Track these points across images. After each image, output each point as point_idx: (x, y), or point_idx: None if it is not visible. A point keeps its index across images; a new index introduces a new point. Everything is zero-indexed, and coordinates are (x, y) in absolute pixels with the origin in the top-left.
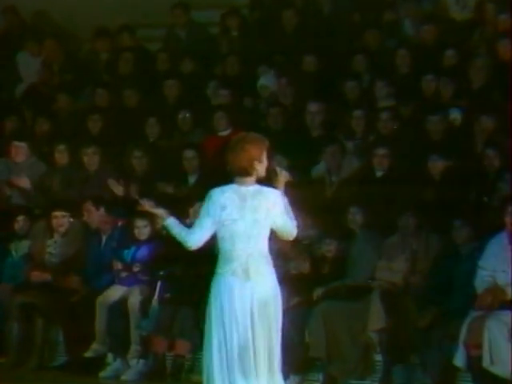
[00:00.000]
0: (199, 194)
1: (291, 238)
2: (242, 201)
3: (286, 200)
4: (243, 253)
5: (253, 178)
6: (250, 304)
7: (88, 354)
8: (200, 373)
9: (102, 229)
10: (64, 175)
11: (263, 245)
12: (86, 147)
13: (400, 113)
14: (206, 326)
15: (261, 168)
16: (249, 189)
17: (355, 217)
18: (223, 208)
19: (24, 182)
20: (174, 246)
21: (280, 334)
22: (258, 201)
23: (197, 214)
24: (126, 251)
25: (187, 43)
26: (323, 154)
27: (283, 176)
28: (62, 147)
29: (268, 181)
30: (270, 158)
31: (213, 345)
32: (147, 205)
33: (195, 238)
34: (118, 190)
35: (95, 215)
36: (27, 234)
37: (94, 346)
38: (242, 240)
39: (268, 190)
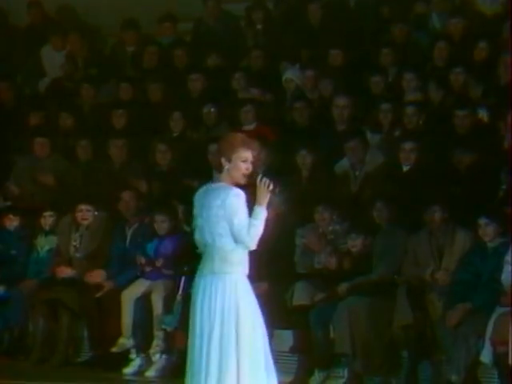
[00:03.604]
0: None
1: (244, 247)
2: (203, 197)
3: (238, 203)
4: (207, 249)
5: (223, 176)
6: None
7: (115, 349)
8: None
9: (129, 221)
10: (87, 170)
11: (222, 242)
12: (115, 139)
13: (427, 107)
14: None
15: (231, 167)
16: (213, 185)
17: (381, 212)
18: (194, 203)
19: (49, 179)
20: None
21: None
22: (211, 198)
23: None
24: (148, 245)
25: (216, 34)
26: (346, 149)
27: (263, 186)
28: (84, 142)
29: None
30: (256, 164)
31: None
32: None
33: (196, 244)
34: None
35: (133, 205)
36: (53, 229)
37: (121, 340)
38: (203, 237)
39: (222, 188)
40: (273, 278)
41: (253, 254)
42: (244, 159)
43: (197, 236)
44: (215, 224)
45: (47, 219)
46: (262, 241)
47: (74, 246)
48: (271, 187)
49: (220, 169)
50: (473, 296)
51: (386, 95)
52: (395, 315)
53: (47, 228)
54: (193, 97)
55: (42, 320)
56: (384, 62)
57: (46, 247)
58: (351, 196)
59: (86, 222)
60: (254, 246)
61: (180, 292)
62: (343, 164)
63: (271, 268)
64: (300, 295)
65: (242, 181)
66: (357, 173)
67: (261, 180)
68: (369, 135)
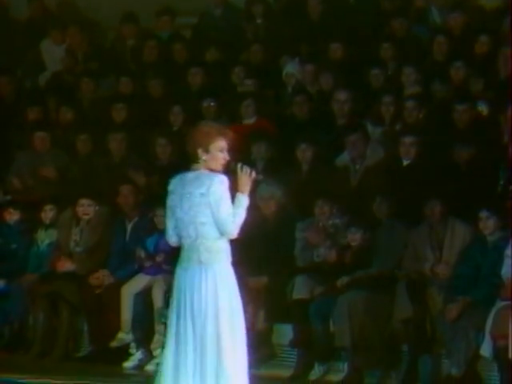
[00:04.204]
0: None
1: (225, 235)
2: (182, 187)
3: (226, 192)
4: (189, 240)
5: (200, 167)
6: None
7: (114, 344)
8: None
9: (129, 216)
10: (87, 164)
11: (205, 232)
12: (114, 133)
13: (427, 101)
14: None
15: (208, 158)
16: (191, 174)
17: (381, 206)
18: (170, 194)
19: (50, 172)
20: None
21: None
22: (193, 186)
23: None
24: (148, 240)
25: (219, 27)
26: (346, 143)
27: (244, 175)
28: (84, 136)
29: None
30: (231, 152)
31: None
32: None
33: (167, 237)
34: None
35: (132, 200)
36: (54, 223)
37: (120, 335)
38: (184, 229)
39: (204, 175)
40: (273, 271)
41: (253, 248)
42: (221, 149)
43: (174, 230)
44: (197, 213)
45: (47, 213)
46: (262, 234)
47: (75, 241)
48: (253, 175)
49: (196, 160)
50: (473, 290)
51: (387, 88)
52: (395, 309)
53: (47, 222)
54: (193, 91)
55: (42, 314)
56: (384, 57)
57: (47, 241)
58: (351, 190)
59: (87, 217)
60: (235, 235)
61: None
62: (343, 158)
63: (271, 262)
64: (300, 289)
65: (220, 170)
66: (357, 167)
67: (241, 168)
68: (370, 128)
